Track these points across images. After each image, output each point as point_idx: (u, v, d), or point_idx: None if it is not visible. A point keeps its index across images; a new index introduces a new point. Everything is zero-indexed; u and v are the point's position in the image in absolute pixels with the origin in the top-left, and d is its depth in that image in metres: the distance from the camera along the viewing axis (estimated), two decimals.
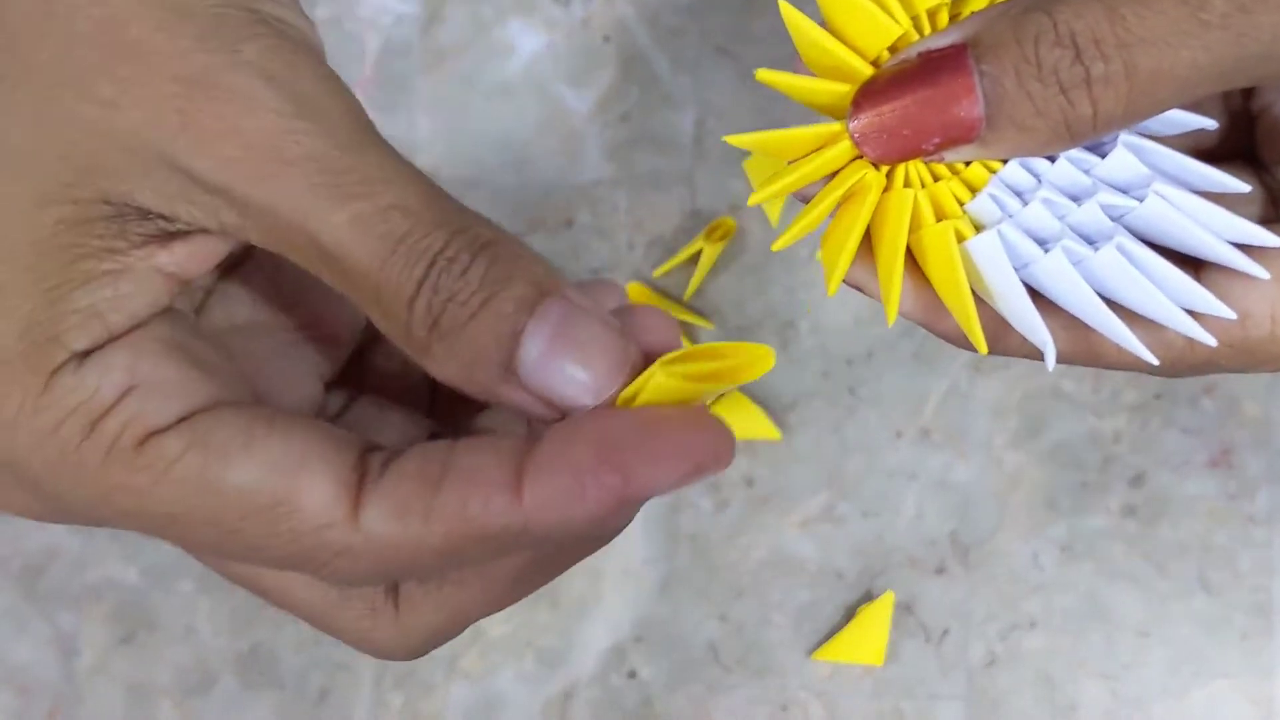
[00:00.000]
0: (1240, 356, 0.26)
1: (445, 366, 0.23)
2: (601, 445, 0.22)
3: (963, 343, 0.26)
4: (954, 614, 0.50)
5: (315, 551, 0.23)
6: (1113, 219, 0.25)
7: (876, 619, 0.49)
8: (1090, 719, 0.49)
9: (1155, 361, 0.26)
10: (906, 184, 0.26)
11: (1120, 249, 0.25)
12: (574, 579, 0.50)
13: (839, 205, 0.26)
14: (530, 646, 0.50)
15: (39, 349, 0.22)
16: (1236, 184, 0.26)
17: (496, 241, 0.23)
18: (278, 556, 0.23)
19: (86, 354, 0.23)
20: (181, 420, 0.23)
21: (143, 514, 0.23)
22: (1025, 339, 0.26)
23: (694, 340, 0.51)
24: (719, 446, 0.24)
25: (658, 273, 0.51)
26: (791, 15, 0.25)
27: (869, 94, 0.25)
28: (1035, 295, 0.26)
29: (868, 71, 0.25)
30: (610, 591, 0.50)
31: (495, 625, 0.50)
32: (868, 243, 0.26)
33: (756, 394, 0.51)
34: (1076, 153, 0.25)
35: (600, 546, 0.26)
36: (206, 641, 0.51)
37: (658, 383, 0.23)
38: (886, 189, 0.26)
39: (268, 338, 0.27)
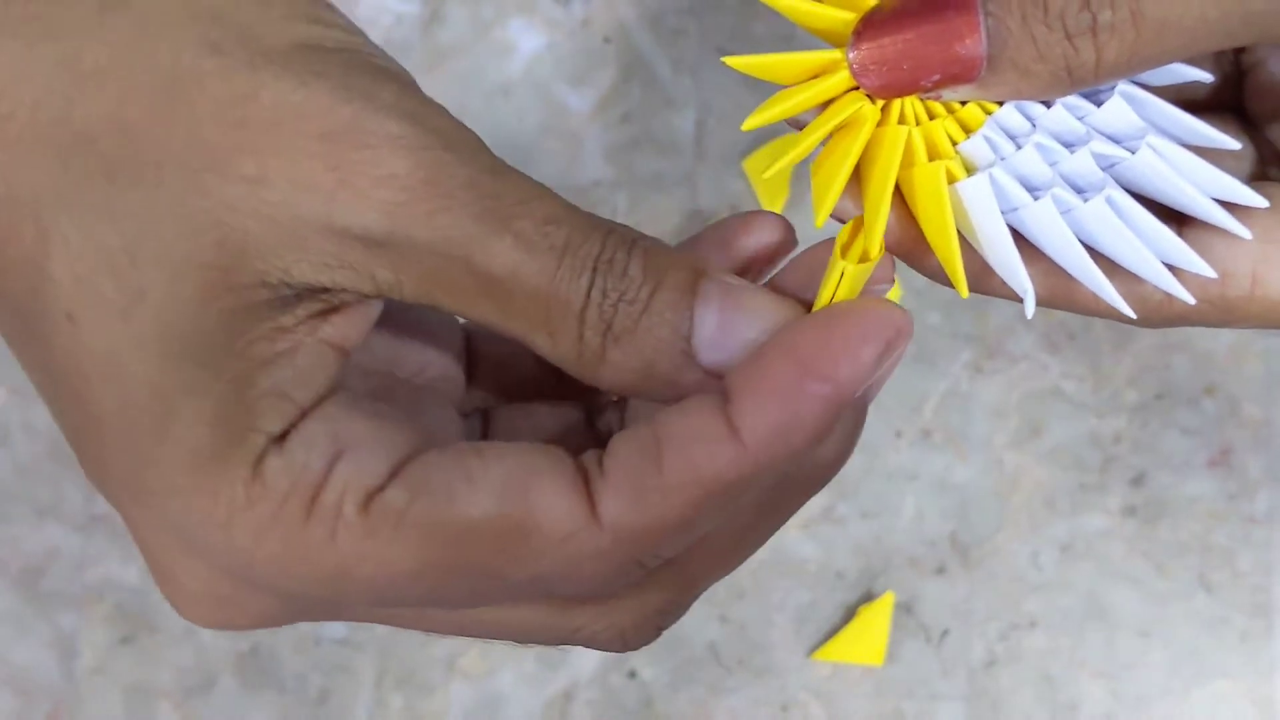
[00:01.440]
0: (1217, 313, 0.26)
1: (622, 370, 0.23)
2: (795, 360, 0.22)
3: (943, 280, 0.25)
4: (954, 614, 0.50)
5: (566, 564, 0.22)
6: (1103, 168, 0.25)
7: (877, 619, 0.49)
8: (1090, 719, 0.50)
9: (1132, 315, 0.26)
10: (901, 120, 0.25)
11: (1109, 201, 0.25)
12: None
13: (831, 135, 0.26)
14: (531, 647, 0.50)
15: (237, 441, 0.22)
16: (1228, 140, 0.26)
17: (642, 236, 0.23)
18: (530, 581, 0.22)
19: (284, 435, 0.22)
20: (394, 474, 0.22)
21: (385, 579, 0.22)
22: (1005, 283, 0.26)
23: None
24: (896, 318, 0.23)
25: None
26: None
27: (871, 24, 0.24)
28: (1019, 238, 0.25)
29: (872, 0, 0.25)
30: None
31: None
32: (857, 177, 0.26)
33: None
34: (1073, 99, 0.25)
35: (831, 475, 0.26)
36: (206, 642, 0.51)
37: (849, 275, 0.24)
38: (881, 123, 0.25)
39: (403, 387, 0.27)
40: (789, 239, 0.26)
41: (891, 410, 0.51)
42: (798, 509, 0.26)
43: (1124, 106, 0.25)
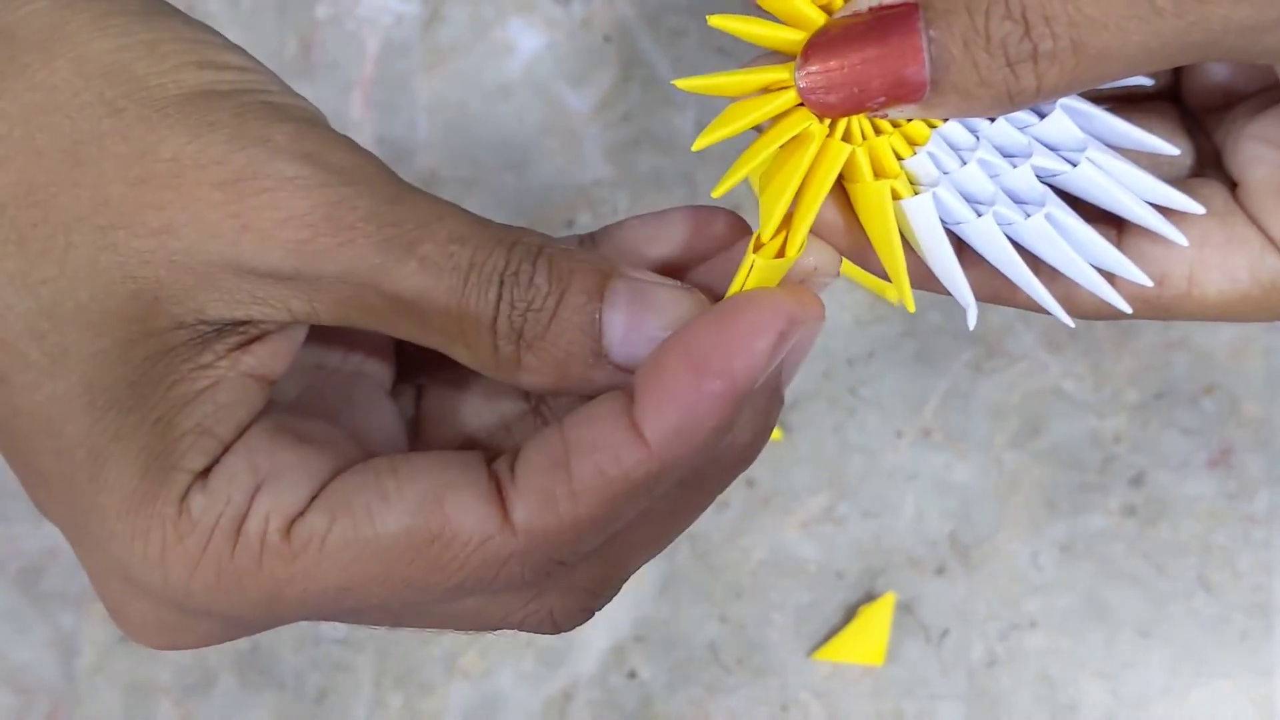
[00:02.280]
0: (1156, 312, 0.27)
1: (538, 374, 0.24)
2: (689, 359, 0.23)
3: (885, 277, 0.26)
4: (954, 614, 0.50)
5: (483, 569, 0.23)
6: (1045, 180, 0.26)
7: (877, 619, 0.49)
8: (1090, 719, 0.50)
9: (1065, 318, 0.27)
10: (847, 136, 0.26)
11: (1049, 217, 0.26)
12: None
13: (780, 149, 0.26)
14: (530, 646, 0.50)
15: (163, 480, 0.23)
16: (1168, 147, 0.27)
17: (547, 244, 0.24)
18: (450, 588, 0.24)
19: (207, 471, 0.24)
20: (314, 498, 0.24)
21: (315, 597, 0.23)
22: (941, 285, 0.27)
23: None
24: (788, 306, 0.24)
25: None
26: None
27: (817, 46, 0.25)
28: (953, 238, 0.26)
29: (820, 19, 0.25)
30: None
31: None
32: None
33: None
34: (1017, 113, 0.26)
35: (749, 456, 0.26)
36: None
37: (759, 269, 0.25)
38: (829, 137, 0.26)
39: (332, 379, 0.28)
40: (738, 232, 0.27)
41: (892, 410, 0.51)
42: (721, 491, 0.27)
43: (1065, 119, 0.26)
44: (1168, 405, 0.50)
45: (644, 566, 0.51)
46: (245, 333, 0.24)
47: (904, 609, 0.50)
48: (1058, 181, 0.26)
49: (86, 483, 0.23)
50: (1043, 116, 0.26)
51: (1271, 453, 0.50)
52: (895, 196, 0.26)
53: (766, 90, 0.26)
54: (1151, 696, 0.49)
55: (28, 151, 0.23)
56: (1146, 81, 0.27)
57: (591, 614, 0.26)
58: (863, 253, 0.27)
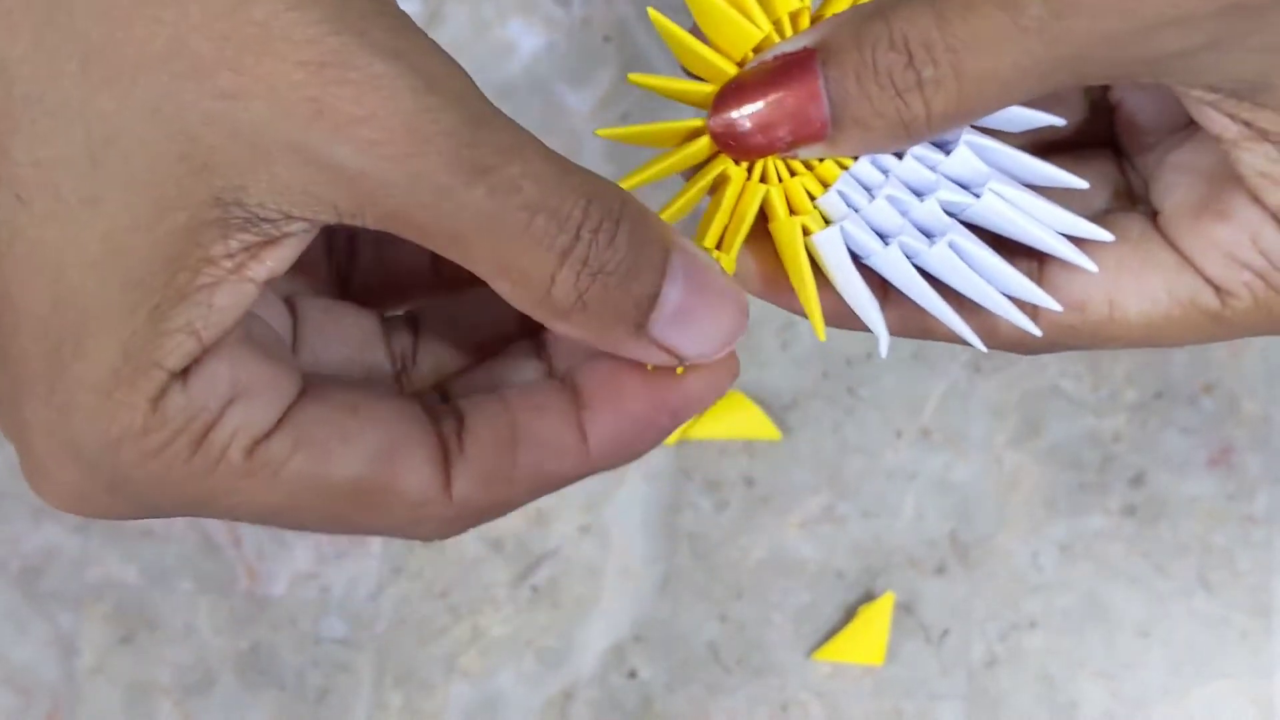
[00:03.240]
0: (1082, 338, 0.28)
1: (579, 328, 0.24)
2: (652, 398, 0.25)
3: (805, 315, 0.28)
4: (954, 614, 0.50)
5: (413, 523, 0.25)
6: (953, 214, 0.28)
7: (876, 619, 0.50)
8: (1090, 719, 0.50)
9: (979, 344, 0.28)
10: (764, 178, 0.27)
11: (952, 245, 0.27)
12: (574, 580, 0.51)
13: (709, 194, 0.28)
14: (530, 646, 0.50)
15: (141, 373, 0.23)
16: (1073, 180, 0.28)
17: (625, 202, 0.24)
18: (376, 530, 0.25)
19: (185, 371, 0.23)
20: (281, 420, 0.24)
21: (247, 509, 0.24)
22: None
23: None
24: (734, 367, 0.26)
25: None
26: (660, 21, 0.27)
27: (726, 95, 0.26)
28: (876, 278, 0.28)
29: (733, 71, 0.27)
30: (610, 591, 0.51)
31: (495, 625, 0.50)
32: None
33: (756, 394, 0.51)
34: (923, 150, 0.27)
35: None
36: (206, 641, 0.51)
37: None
38: (747, 180, 0.27)
39: (313, 297, 0.28)
40: None
41: (891, 410, 0.51)
42: None
43: (969, 154, 0.27)
44: (1167, 404, 0.50)
45: (644, 567, 0.52)
46: (268, 233, 0.23)
47: (904, 609, 0.50)
48: (967, 215, 0.28)
49: (69, 345, 0.23)
50: (949, 155, 0.27)
51: (1271, 452, 0.50)
52: (807, 232, 0.27)
53: (688, 139, 0.27)
54: (1151, 696, 0.49)
55: None
56: (1058, 121, 0.28)
57: (460, 533, 0.28)
58: (780, 293, 0.28)
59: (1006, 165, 0.28)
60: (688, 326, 0.25)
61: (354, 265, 0.29)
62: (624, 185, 0.26)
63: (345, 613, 0.51)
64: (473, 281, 0.24)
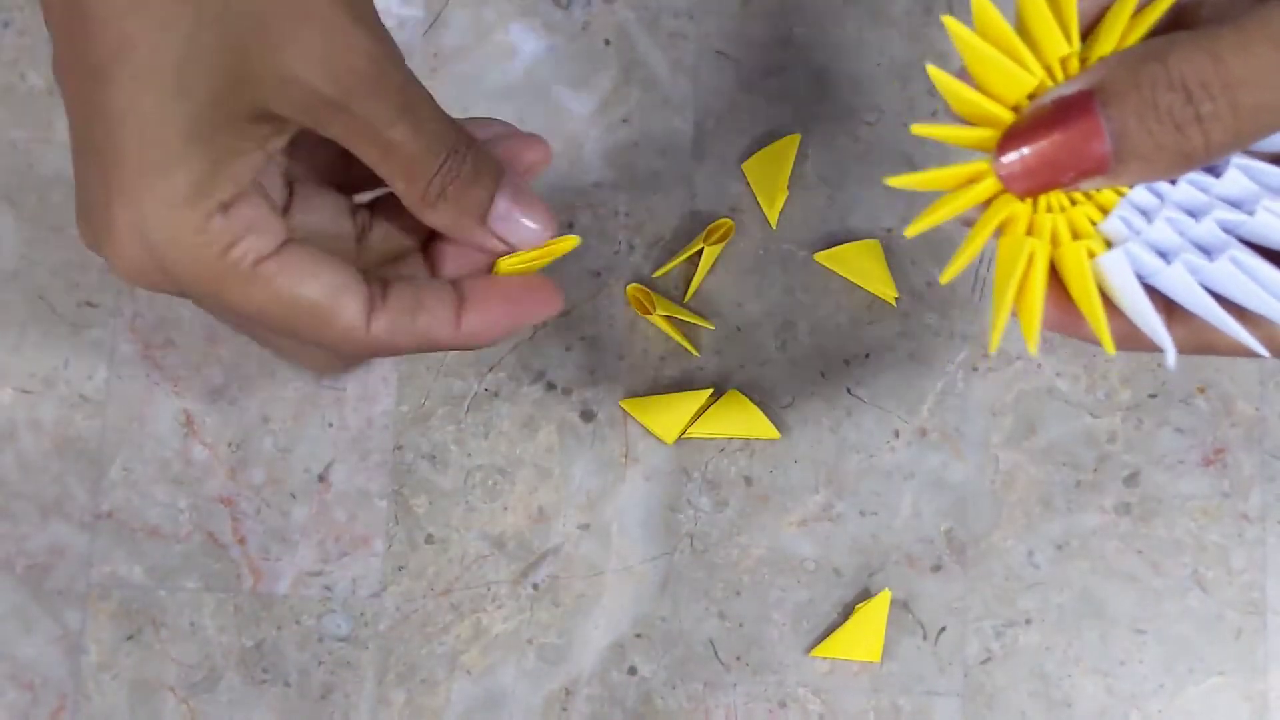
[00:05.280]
0: None
1: (442, 217, 0.36)
2: (505, 300, 0.37)
3: (1097, 344, 0.30)
4: (950, 611, 0.50)
5: (338, 342, 0.35)
6: (1227, 231, 0.29)
7: (874, 616, 0.50)
8: (1085, 715, 0.50)
9: (1264, 353, 0.30)
10: (1048, 209, 0.30)
11: (1233, 260, 0.29)
12: (574, 578, 0.51)
13: (997, 232, 0.30)
14: (531, 644, 0.51)
15: (201, 198, 0.33)
16: None
17: (475, 143, 0.36)
18: (313, 340, 0.35)
19: (227, 205, 0.33)
20: (276, 251, 0.34)
21: (239, 306, 0.34)
22: (1149, 339, 0.30)
23: (694, 342, 0.51)
24: (557, 303, 0.38)
25: (658, 274, 0.52)
26: (941, 78, 0.29)
27: (1011, 137, 0.29)
28: (1159, 296, 0.30)
29: (1009, 117, 0.29)
30: (610, 589, 0.51)
31: (497, 623, 0.51)
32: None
33: (755, 393, 0.51)
34: (1195, 174, 0.29)
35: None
36: (211, 638, 0.51)
37: (510, 263, 0.37)
38: (1033, 214, 0.30)
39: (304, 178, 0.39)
40: (547, 158, 0.39)
41: (889, 410, 0.51)
42: None
43: (1240, 176, 0.29)
44: (1161, 405, 0.51)
45: (644, 565, 0.52)
46: (278, 127, 0.34)
47: (901, 606, 0.50)
48: (1242, 233, 0.29)
49: (156, 171, 0.32)
50: (1219, 176, 0.29)
51: (1264, 451, 0.50)
52: (1091, 255, 0.29)
53: (970, 181, 0.30)
54: (1146, 693, 0.50)
55: None
56: None
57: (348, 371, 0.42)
58: (1070, 324, 0.31)
59: (1271, 183, 0.29)
60: (511, 223, 0.36)
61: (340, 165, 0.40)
62: (913, 230, 0.29)
63: (348, 611, 0.51)
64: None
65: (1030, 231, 0.30)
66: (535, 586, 0.51)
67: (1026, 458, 0.50)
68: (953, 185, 0.30)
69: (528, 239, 0.37)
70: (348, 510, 0.51)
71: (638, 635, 0.50)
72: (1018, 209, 0.30)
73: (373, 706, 0.50)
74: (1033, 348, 0.29)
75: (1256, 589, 0.50)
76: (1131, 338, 0.31)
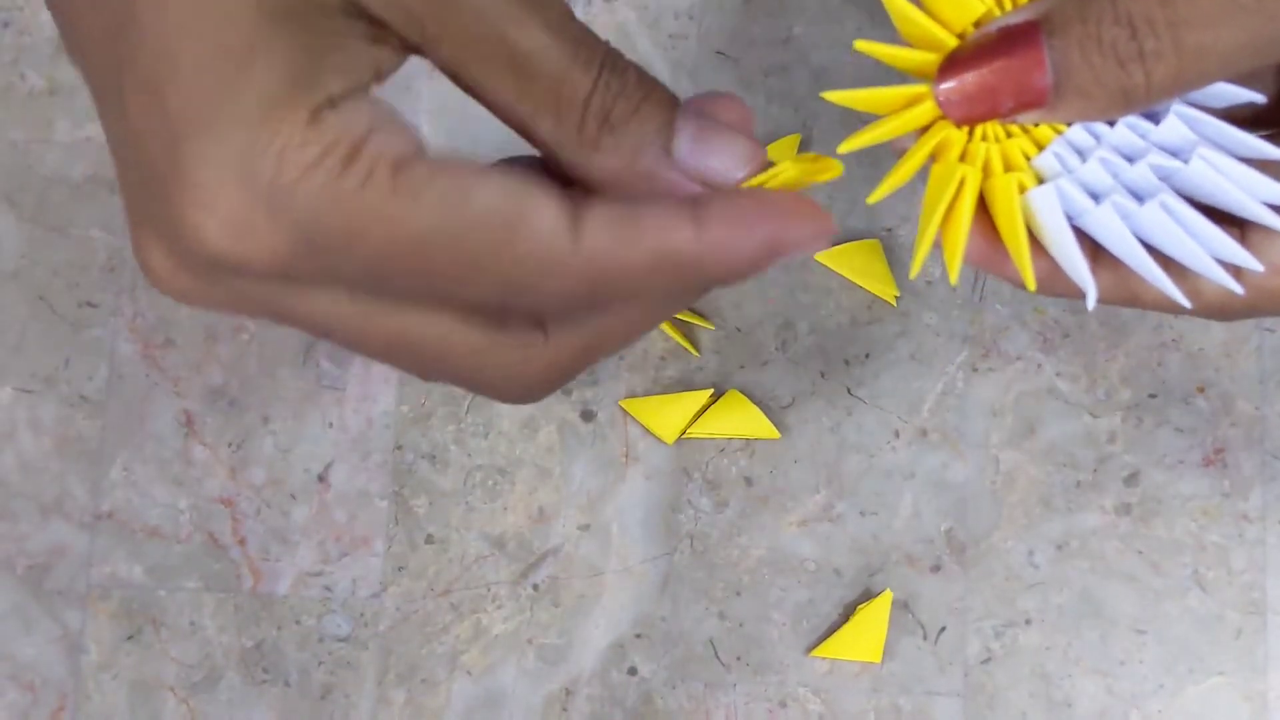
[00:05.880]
0: (1276, 303, 0.30)
1: (613, 156, 0.27)
2: (762, 207, 0.27)
3: (1018, 283, 0.29)
4: (951, 611, 0.50)
5: (537, 274, 0.25)
6: (1161, 178, 0.29)
7: (874, 617, 0.50)
8: (1086, 715, 0.50)
9: (1187, 304, 0.30)
10: (983, 138, 0.29)
11: (1163, 205, 0.28)
12: (574, 578, 0.51)
13: (930, 159, 0.30)
14: (532, 643, 0.51)
15: (305, 91, 0.25)
16: (1275, 151, 0.29)
17: (626, 60, 0.28)
18: (502, 277, 0.25)
19: (338, 100, 0.25)
20: (416, 153, 0.25)
21: (390, 244, 0.25)
22: (1071, 281, 0.30)
23: (694, 342, 0.51)
24: (828, 224, 0.28)
25: None
26: None
27: (953, 63, 0.28)
28: (1087, 241, 0.29)
29: (953, 43, 0.29)
30: (610, 589, 0.51)
31: (497, 623, 0.51)
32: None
33: (755, 394, 0.51)
34: (1134, 119, 0.29)
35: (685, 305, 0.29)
36: (211, 638, 0.51)
37: (787, 171, 0.29)
38: (968, 142, 0.29)
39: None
40: (747, 120, 0.30)
41: (889, 410, 0.51)
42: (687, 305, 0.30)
43: (1178, 123, 0.28)
44: (1161, 404, 0.51)
45: (644, 565, 0.52)
46: (379, 31, 0.26)
47: (901, 607, 0.50)
48: (1175, 181, 0.29)
49: (231, 75, 0.24)
50: (1158, 124, 0.29)
51: (1264, 451, 0.50)
52: (1022, 189, 0.29)
53: (908, 105, 0.29)
54: (1146, 693, 0.50)
55: None
56: (1258, 98, 0.29)
57: (554, 389, 0.29)
58: (993, 259, 0.30)
59: (1212, 136, 0.29)
60: (711, 149, 0.27)
61: None
62: (847, 147, 0.28)
63: (348, 611, 0.51)
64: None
65: (963, 158, 0.29)
66: (535, 587, 0.51)
67: (1026, 458, 0.51)
68: (891, 108, 0.30)
69: (732, 170, 0.28)
70: (348, 510, 0.51)
71: (638, 635, 0.50)
72: (953, 135, 0.29)
73: (373, 706, 0.51)
74: (954, 277, 0.29)
75: (1257, 589, 0.50)
76: (1054, 278, 0.30)
